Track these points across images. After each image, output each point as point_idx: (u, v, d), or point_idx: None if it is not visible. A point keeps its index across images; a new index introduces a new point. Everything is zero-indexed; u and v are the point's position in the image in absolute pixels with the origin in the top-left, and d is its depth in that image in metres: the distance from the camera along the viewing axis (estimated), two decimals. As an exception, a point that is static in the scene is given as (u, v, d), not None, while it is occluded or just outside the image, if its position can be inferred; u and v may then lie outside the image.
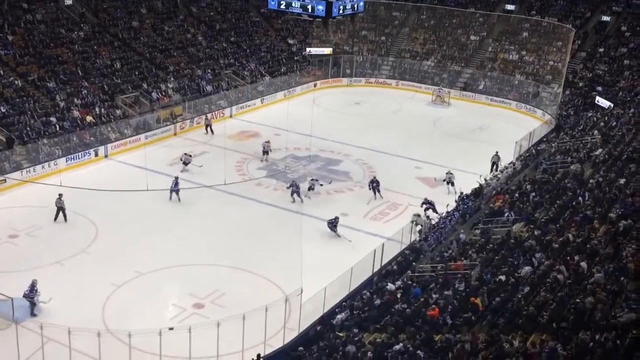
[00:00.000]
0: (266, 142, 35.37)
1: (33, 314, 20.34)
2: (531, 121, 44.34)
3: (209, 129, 38.93)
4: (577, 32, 50.34)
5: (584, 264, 18.79)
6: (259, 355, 17.89)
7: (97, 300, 21.47)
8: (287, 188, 30.27)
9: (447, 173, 31.81)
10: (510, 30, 55.23)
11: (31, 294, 20.47)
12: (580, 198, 24.57)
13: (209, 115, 40.10)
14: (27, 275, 21.83)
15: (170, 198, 28.94)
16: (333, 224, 26.58)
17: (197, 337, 17.56)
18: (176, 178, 29.51)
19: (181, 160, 33.01)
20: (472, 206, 27.75)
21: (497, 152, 34.23)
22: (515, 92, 49.44)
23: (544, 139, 38.20)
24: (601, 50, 51.06)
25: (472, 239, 23.74)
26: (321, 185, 30.85)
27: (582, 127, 38.18)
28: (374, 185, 30.62)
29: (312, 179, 31.08)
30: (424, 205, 27.28)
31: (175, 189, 28.87)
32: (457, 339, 16.53)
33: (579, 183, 26.54)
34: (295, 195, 29.63)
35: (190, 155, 33.31)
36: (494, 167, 33.66)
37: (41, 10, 42.20)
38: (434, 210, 27.03)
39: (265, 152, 34.90)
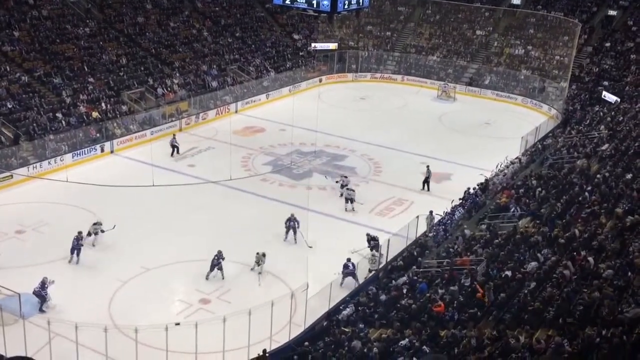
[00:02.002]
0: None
1: (42, 310, 20.43)
2: (537, 116, 44.21)
3: (175, 150, 34.57)
4: (583, 26, 50.13)
5: (590, 260, 18.74)
6: (264, 351, 17.92)
7: (103, 295, 21.55)
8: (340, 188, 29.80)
9: (347, 188, 29.03)
10: (516, 25, 55.02)
11: (42, 291, 20.54)
12: (586, 193, 24.48)
13: (210, 112, 40.05)
14: (34, 271, 21.95)
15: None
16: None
17: (203, 333, 17.59)
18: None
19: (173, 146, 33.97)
20: (478, 201, 27.71)
21: (428, 167, 31.97)
22: (521, 87, 49.29)
23: (550, 134, 38.10)
24: (608, 44, 50.81)
25: (477, 235, 23.73)
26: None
27: (588, 122, 38.05)
28: (346, 191, 28.84)
29: (343, 177, 30.74)
30: (370, 242, 23.93)
31: None
32: (463, 334, 16.54)
33: (586, 178, 26.45)
34: (349, 202, 28.56)
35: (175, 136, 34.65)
36: (425, 184, 31.34)
37: (47, 6, 42.26)
38: (377, 248, 23.59)
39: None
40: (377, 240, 23.96)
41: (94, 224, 24.71)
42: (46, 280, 20.71)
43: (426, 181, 31.46)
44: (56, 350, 17.79)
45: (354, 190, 29.03)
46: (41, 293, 20.54)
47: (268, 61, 49.19)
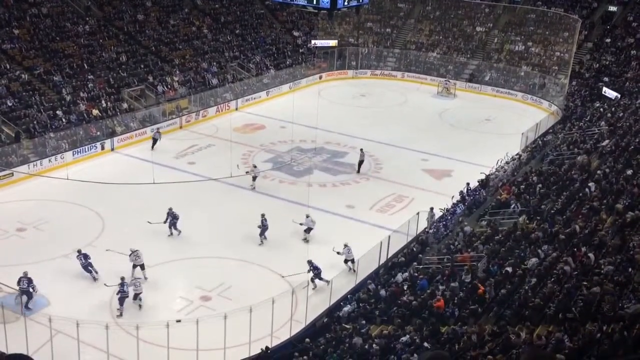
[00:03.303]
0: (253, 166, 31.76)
1: (27, 308, 20.22)
2: (537, 112, 44.18)
3: (155, 144, 34.62)
4: (583, 22, 50.04)
5: (591, 256, 18.76)
6: (266, 348, 17.98)
7: (104, 293, 21.56)
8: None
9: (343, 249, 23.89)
10: (516, 21, 54.95)
11: (29, 286, 20.44)
12: (587, 189, 24.50)
13: (210, 110, 40.07)
14: (35, 269, 21.97)
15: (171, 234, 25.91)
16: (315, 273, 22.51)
17: (204, 330, 17.64)
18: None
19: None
20: (478, 198, 27.73)
21: (361, 149, 33.10)
22: (521, 83, 49.25)
23: (551, 130, 38.09)
24: (608, 40, 50.76)
25: (478, 231, 23.75)
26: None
27: (589, 118, 38.04)
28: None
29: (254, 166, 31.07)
30: (311, 272, 22.21)
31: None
32: (464, 330, 16.57)
33: (586, 174, 26.47)
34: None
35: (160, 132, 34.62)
36: (360, 166, 32.57)
37: (47, 4, 42.22)
38: (319, 277, 22.30)
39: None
40: (319, 271, 22.26)
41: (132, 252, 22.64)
42: (26, 274, 20.59)
43: (360, 164, 32.70)
44: (57, 347, 17.84)
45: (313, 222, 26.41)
46: (28, 290, 20.44)
47: (268, 58, 49.16)
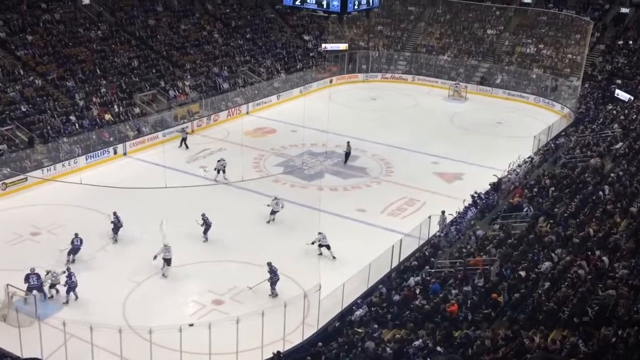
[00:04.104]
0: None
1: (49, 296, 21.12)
2: (550, 115, 43.98)
3: (184, 143, 36.02)
4: (595, 24, 49.80)
5: (605, 259, 18.63)
6: (278, 352, 17.96)
7: (117, 297, 21.67)
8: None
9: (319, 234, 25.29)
10: (527, 24, 54.79)
11: (38, 281, 20.97)
12: (600, 192, 24.35)
13: (221, 114, 40.17)
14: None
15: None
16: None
17: (216, 333, 17.67)
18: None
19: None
20: (490, 201, 27.62)
21: (348, 142, 34.83)
22: (533, 85, 49.06)
23: (563, 133, 37.91)
24: (620, 42, 50.49)
25: (490, 234, 23.65)
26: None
27: (601, 120, 37.81)
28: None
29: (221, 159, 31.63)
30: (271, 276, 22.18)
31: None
32: (477, 335, 16.49)
33: (600, 177, 26.31)
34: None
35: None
36: (347, 157, 34.40)
37: (59, 10, 42.57)
38: (273, 284, 22.20)
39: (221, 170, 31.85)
40: (277, 278, 22.07)
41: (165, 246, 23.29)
42: (34, 269, 21.09)
43: (347, 156, 34.26)
44: (71, 351, 17.93)
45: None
46: (39, 285, 20.93)
47: (279, 62, 49.25)
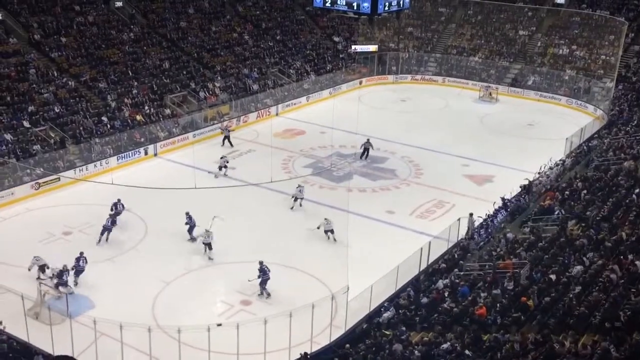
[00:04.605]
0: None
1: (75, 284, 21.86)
2: (582, 117, 43.31)
3: (226, 140, 36.62)
4: (630, 25, 48.91)
5: (638, 263, 18.29)
6: (306, 353, 17.97)
7: (147, 296, 21.92)
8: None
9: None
10: (560, 25, 54.04)
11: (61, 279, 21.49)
12: (634, 195, 23.92)
13: (251, 115, 40.32)
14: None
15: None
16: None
17: (244, 334, 17.74)
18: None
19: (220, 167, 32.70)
20: (521, 204, 27.30)
21: (368, 139, 35.15)
22: (565, 87, 48.37)
23: (596, 135, 37.27)
24: (655, 43, 49.55)
25: (521, 237, 23.38)
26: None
27: (635, 122, 37.11)
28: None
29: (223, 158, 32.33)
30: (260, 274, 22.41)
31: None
32: (506, 338, 16.31)
33: (633, 180, 25.84)
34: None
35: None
36: (365, 153, 34.94)
37: (92, 13, 43.24)
38: (264, 284, 22.26)
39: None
40: (267, 277, 22.16)
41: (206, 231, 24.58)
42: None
43: (366, 150, 34.93)
44: (101, 349, 18.20)
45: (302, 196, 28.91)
46: (64, 281, 21.48)
47: (308, 64, 49.34)
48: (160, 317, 20.74)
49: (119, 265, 23.99)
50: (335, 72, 49.78)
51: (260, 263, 22.39)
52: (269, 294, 22.24)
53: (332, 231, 25.87)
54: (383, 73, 52.63)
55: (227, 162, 32.79)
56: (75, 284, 22.26)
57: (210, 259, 24.46)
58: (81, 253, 22.56)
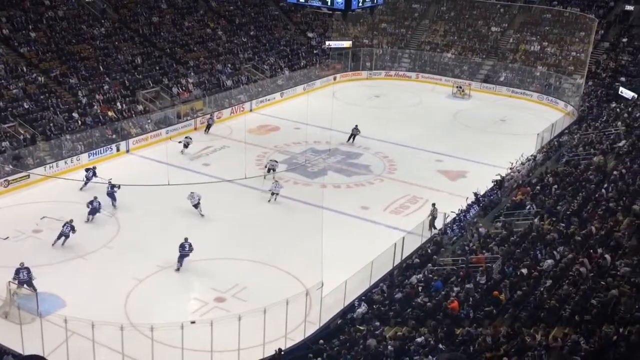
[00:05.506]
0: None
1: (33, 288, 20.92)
2: (553, 113, 43.87)
3: (209, 130, 38.35)
4: (600, 22, 49.63)
5: (607, 257, 18.58)
6: (280, 349, 17.96)
7: (119, 294, 21.69)
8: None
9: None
10: (531, 21, 54.62)
11: (27, 276, 20.92)
12: (603, 190, 24.29)
13: (225, 111, 40.27)
14: (51, 270, 22.25)
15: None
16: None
17: (218, 331, 17.67)
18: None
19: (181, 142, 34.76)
20: (493, 199, 27.57)
21: (356, 125, 37.05)
22: (536, 83, 48.93)
23: (567, 131, 37.80)
24: (625, 40, 50.28)
25: (493, 232, 23.61)
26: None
27: (605, 118, 37.72)
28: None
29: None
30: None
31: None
32: (479, 332, 16.48)
33: (602, 175, 26.23)
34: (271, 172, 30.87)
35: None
36: (352, 138, 36.83)
37: (63, 7, 42.59)
38: (181, 258, 23.28)
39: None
40: (185, 250, 23.23)
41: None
42: (23, 264, 21.02)
43: (353, 136, 36.86)
44: (73, 348, 17.94)
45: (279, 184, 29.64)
46: (31, 282, 20.92)
47: (282, 60, 49.23)
48: (133, 315, 20.53)
49: (90, 263, 23.70)
50: (309, 68, 49.74)
51: (185, 239, 23.28)
52: (177, 269, 23.11)
53: (197, 205, 27.10)
54: (357, 69, 52.71)
55: (190, 142, 34.51)
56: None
57: (202, 215, 26.81)
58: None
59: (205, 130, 38.19)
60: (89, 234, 25.50)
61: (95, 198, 26.62)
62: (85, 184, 29.09)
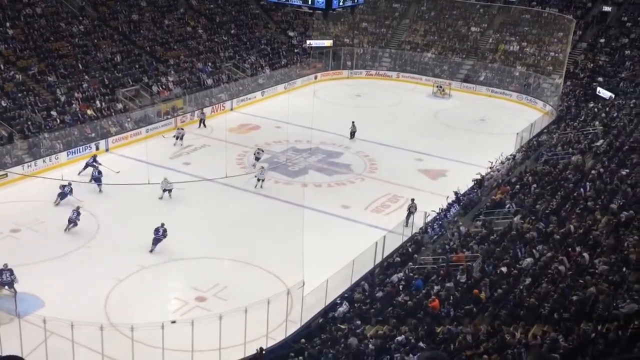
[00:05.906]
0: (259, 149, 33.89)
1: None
2: (532, 112, 44.28)
3: (202, 123, 38.85)
4: (578, 22, 50.15)
5: (585, 255, 18.80)
6: (261, 348, 17.95)
7: (99, 294, 21.52)
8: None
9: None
10: (510, 22, 55.07)
11: (10, 278, 20.70)
12: (581, 189, 24.57)
13: (205, 110, 40.13)
14: (29, 270, 21.99)
15: (162, 197, 28.66)
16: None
17: (199, 330, 17.62)
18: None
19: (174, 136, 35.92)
20: (473, 198, 27.76)
21: (353, 122, 38.16)
22: (516, 83, 49.35)
23: (545, 130, 38.17)
24: (602, 40, 50.90)
25: (473, 231, 23.77)
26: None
27: (583, 118, 38.14)
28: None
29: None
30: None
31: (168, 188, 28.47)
32: (459, 330, 16.58)
33: (581, 174, 26.53)
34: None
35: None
36: (352, 135, 37.78)
37: (41, 4, 42.07)
38: (154, 243, 24.18)
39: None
40: (159, 234, 24.28)
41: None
42: (7, 265, 20.83)
43: (352, 133, 37.61)
44: (52, 348, 17.78)
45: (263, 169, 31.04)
46: (13, 284, 20.74)
47: (263, 58, 49.12)
48: (113, 315, 20.38)
49: (70, 262, 23.48)
50: (290, 66, 49.67)
51: (162, 224, 24.22)
52: (151, 251, 23.96)
53: (170, 191, 28.17)
54: (338, 68, 52.75)
55: (183, 132, 35.56)
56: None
57: (170, 197, 28.11)
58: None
59: (199, 125, 38.71)
60: (68, 233, 25.27)
61: (69, 184, 27.20)
62: (85, 168, 30.60)
